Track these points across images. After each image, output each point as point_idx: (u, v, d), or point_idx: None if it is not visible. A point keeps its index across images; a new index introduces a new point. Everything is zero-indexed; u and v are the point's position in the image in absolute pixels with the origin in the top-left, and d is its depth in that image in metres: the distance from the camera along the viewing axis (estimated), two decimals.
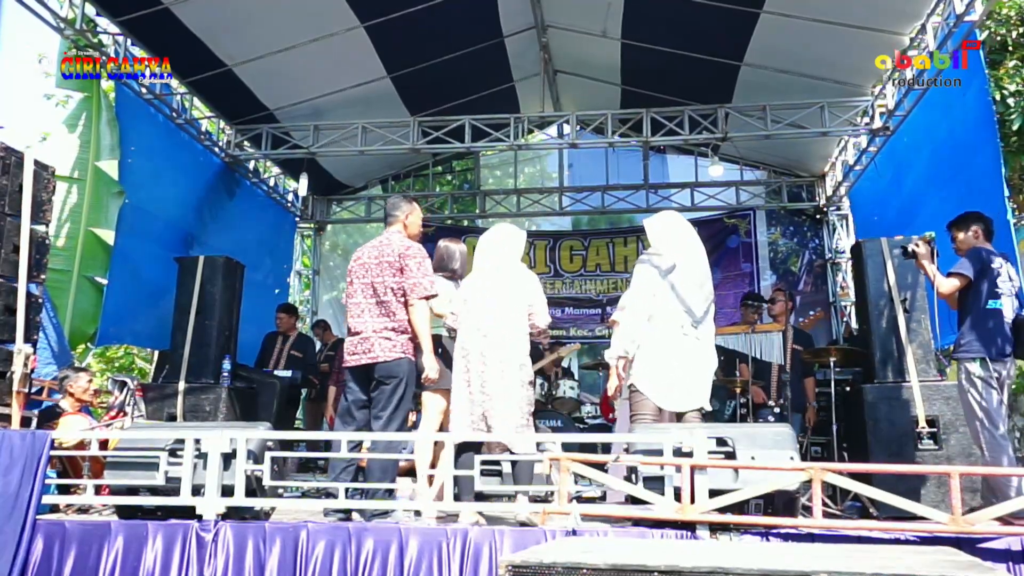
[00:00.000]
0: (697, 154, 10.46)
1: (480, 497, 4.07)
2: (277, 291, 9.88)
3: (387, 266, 4.51)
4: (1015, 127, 8.28)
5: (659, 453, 3.66)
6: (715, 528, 3.51)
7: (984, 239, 4.61)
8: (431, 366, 4.42)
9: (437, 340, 4.93)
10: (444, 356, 4.91)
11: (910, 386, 5.07)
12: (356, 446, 4.41)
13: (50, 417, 5.38)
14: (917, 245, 4.63)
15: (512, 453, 4.19)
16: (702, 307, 4.36)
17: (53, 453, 4.09)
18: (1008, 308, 4.38)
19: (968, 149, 6.38)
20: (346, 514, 4.19)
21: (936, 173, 7.05)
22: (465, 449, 4.21)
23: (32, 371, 4.58)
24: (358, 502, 4.19)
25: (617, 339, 4.50)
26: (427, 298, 4.48)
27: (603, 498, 5.10)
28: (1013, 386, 4.47)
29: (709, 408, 4.46)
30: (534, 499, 4.11)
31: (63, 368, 5.94)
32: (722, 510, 3.50)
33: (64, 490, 4.85)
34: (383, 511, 4.16)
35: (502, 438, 4.20)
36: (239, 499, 3.80)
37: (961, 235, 4.67)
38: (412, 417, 6.89)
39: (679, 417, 4.31)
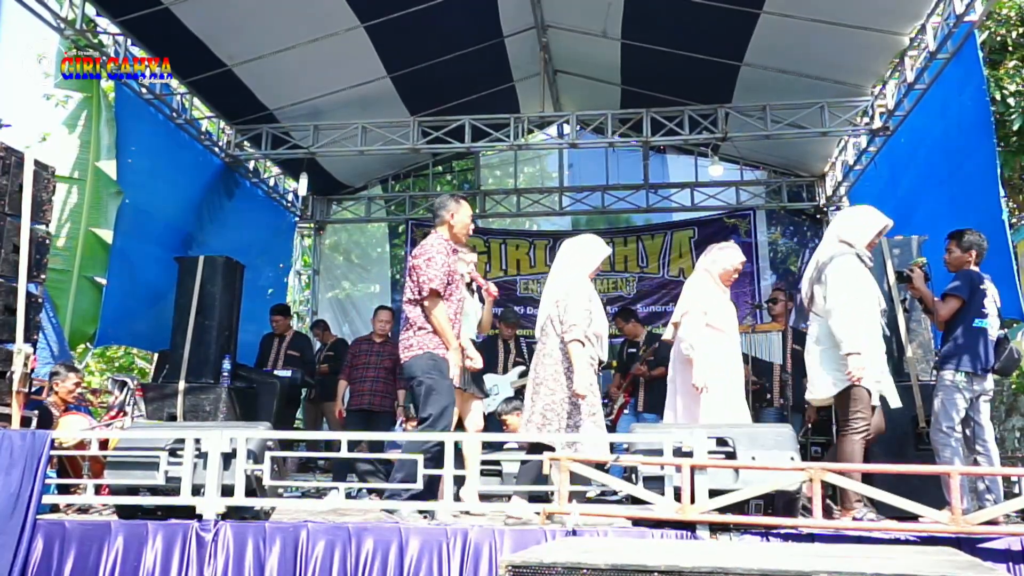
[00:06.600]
0: (697, 154, 10.44)
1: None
2: (271, 291, 9.80)
3: (410, 271, 4.53)
4: (1015, 127, 8.26)
5: (659, 453, 3.67)
6: (715, 528, 3.51)
7: (975, 263, 4.83)
8: (453, 363, 4.36)
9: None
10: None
11: (910, 386, 5.07)
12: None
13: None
14: (912, 271, 4.93)
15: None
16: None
17: (53, 453, 4.09)
18: (992, 328, 4.66)
19: (964, 149, 6.37)
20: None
21: (932, 173, 7.04)
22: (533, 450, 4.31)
23: (32, 371, 4.58)
24: (396, 502, 4.11)
25: None
26: (434, 292, 4.34)
27: (607, 496, 5.10)
28: (989, 399, 4.72)
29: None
30: (535, 499, 4.11)
31: (56, 364, 5.91)
32: (722, 510, 3.50)
33: (64, 490, 4.85)
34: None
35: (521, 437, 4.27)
36: (239, 499, 3.80)
37: (957, 250, 4.85)
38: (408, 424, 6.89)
39: None
